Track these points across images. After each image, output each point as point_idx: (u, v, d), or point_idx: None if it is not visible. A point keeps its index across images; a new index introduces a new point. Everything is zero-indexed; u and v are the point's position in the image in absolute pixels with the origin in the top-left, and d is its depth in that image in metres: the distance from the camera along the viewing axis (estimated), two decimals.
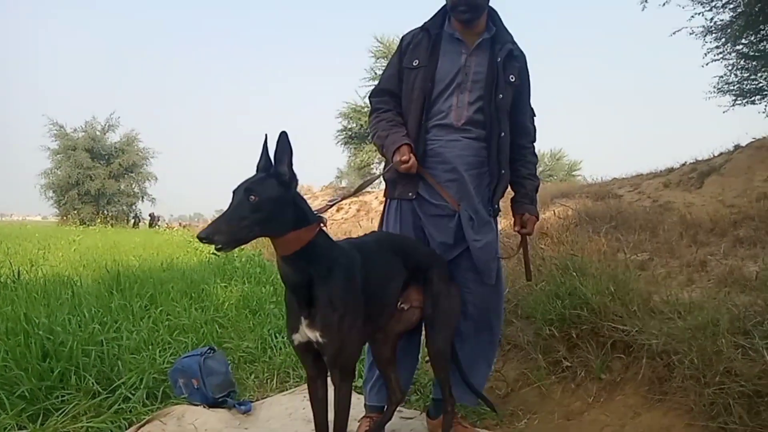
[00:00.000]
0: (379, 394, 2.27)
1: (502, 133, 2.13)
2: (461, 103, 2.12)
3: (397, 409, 2.54)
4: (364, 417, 2.29)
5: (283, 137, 1.53)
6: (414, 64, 2.16)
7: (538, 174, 2.35)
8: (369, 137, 2.18)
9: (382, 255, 1.88)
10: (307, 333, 1.61)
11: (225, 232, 1.38)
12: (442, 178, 2.12)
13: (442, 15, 2.18)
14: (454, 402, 2.13)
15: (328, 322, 1.58)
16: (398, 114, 2.19)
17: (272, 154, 1.55)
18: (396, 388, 2.19)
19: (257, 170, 1.58)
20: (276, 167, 1.53)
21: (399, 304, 2.02)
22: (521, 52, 2.20)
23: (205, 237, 1.35)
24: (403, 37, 2.26)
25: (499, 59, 2.10)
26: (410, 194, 2.15)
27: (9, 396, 2.18)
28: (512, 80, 2.13)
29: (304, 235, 1.55)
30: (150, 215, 29.90)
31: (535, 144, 2.31)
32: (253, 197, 1.44)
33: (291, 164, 1.53)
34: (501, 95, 2.11)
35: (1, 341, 2.56)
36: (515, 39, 2.18)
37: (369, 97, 2.32)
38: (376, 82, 2.37)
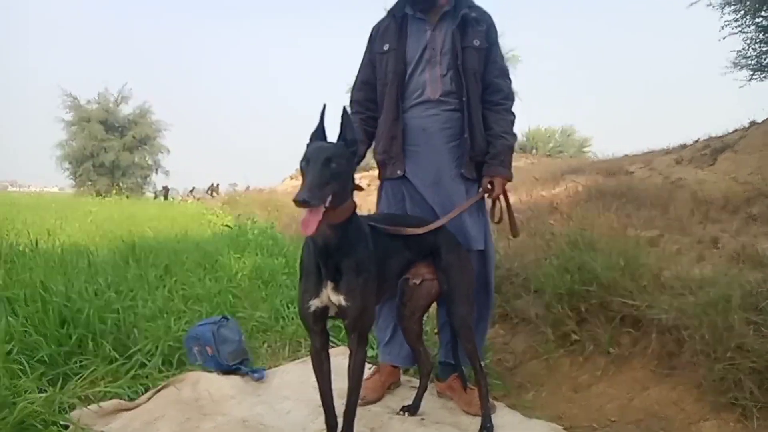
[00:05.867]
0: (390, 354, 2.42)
1: (468, 98, 2.19)
2: (434, 76, 2.22)
3: (407, 379, 2.59)
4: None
5: (346, 114, 1.63)
6: (385, 48, 2.25)
7: (514, 135, 2.28)
8: None
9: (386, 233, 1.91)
10: (330, 297, 1.65)
11: (318, 197, 1.44)
12: (424, 151, 2.22)
13: None
14: (485, 376, 2.13)
15: (353, 286, 1.65)
16: (368, 118, 2.32)
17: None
18: (426, 360, 2.26)
19: (313, 139, 1.64)
20: (346, 138, 1.62)
21: (410, 280, 2.06)
22: (483, 13, 2.25)
23: (302, 201, 1.39)
24: (372, 28, 2.35)
25: (454, 26, 2.18)
26: (399, 172, 2.24)
27: (29, 360, 2.24)
28: (477, 44, 2.21)
29: (353, 205, 1.65)
30: (163, 188, 30.11)
31: (510, 102, 2.30)
32: (334, 165, 1.50)
33: (354, 138, 1.64)
34: (463, 62, 2.17)
35: (21, 308, 2.63)
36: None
37: (351, 90, 2.40)
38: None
